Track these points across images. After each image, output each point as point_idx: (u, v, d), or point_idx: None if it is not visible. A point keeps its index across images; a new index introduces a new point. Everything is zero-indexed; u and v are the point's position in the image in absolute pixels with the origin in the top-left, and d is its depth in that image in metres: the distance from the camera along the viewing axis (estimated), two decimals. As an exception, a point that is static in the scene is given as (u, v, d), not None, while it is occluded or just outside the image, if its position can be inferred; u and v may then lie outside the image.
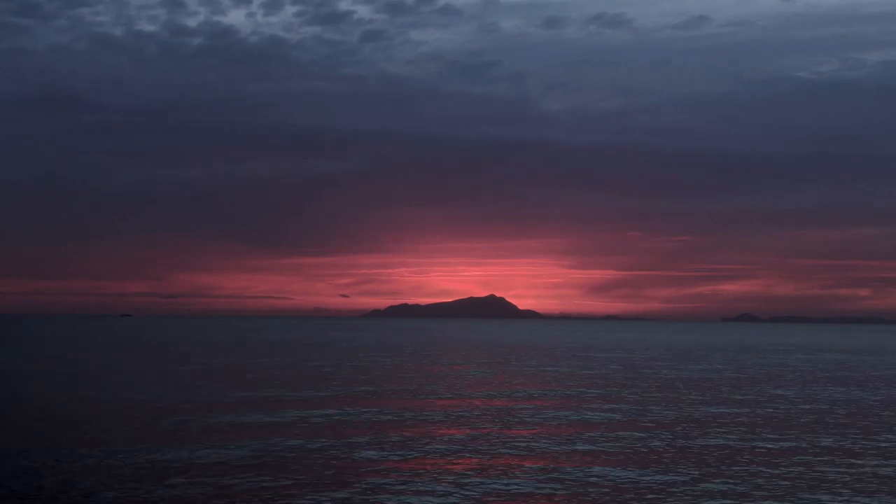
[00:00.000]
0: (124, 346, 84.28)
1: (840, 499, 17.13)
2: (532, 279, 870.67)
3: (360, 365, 56.41)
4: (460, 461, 20.46)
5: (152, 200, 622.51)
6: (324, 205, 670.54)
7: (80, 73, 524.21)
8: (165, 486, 17.32)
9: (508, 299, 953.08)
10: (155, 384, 39.40)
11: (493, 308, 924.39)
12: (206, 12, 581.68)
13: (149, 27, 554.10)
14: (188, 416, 27.55)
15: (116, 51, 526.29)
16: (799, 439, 24.71)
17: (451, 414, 29.42)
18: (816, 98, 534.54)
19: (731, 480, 18.63)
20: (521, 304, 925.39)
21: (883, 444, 24.07)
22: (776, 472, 19.71)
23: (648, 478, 18.74)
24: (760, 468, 20.08)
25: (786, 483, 18.52)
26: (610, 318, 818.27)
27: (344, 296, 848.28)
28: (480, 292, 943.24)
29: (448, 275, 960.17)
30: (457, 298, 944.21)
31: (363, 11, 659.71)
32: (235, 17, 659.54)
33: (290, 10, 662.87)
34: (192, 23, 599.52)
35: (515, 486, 17.77)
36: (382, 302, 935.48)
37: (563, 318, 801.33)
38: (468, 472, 19.09)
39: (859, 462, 21.22)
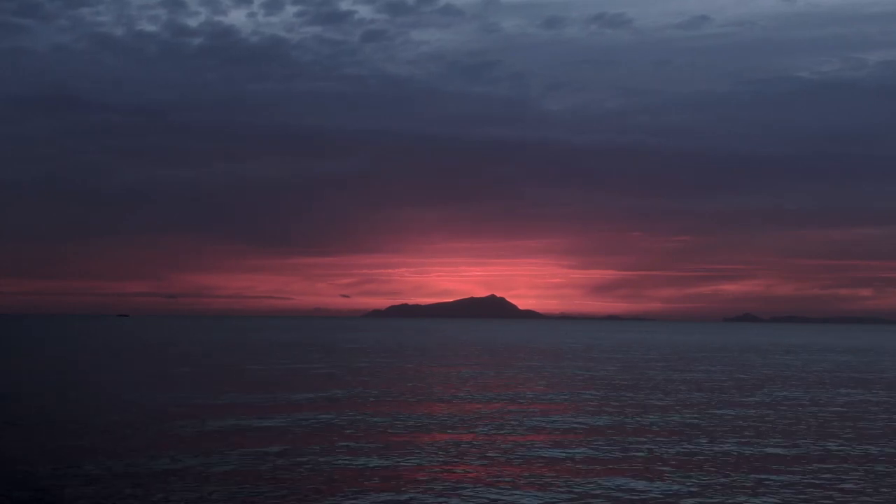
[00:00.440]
0: (119, 348, 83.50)
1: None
2: (533, 279, 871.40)
3: (359, 366, 55.65)
4: (459, 469, 19.67)
5: (152, 200, 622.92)
6: (324, 205, 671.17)
7: (80, 73, 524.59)
8: (141, 497, 16.56)
9: (509, 299, 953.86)
10: (148, 387, 38.63)
11: (493, 308, 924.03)
12: (206, 12, 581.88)
13: (149, 27, 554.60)
14: (177, 421, 26.76)
15: (117, 51, 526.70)
16: (814, 445, 23.91)
17: (449, 418, 28.63)
18: (817, 98, 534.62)
19: (742, 490, 17.87)
20: (522, 304, 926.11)
21: (896, 450, 23.35)
22: (789, 479, 18.93)
23: (657, 488, 17.96)
24: (773, 476, 19.30)
25: (802, 496, 17.77)
26: (610, 318, 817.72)
27: (344, 296, 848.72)
28: (481, 292, 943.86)
29: (448, 275, 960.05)
30: (457, 298, 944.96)
31: (364, 11, 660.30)
32: (236, 17, 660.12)
33: (291, 10, 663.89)
34: (192, 23, 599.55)
35: (517, 497, 17.01)
36: (383, 302, 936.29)
37: (564, 318, 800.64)
38: (466, 482, 18.32)
39: (881, 469, 20.46)
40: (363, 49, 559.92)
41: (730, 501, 16.88)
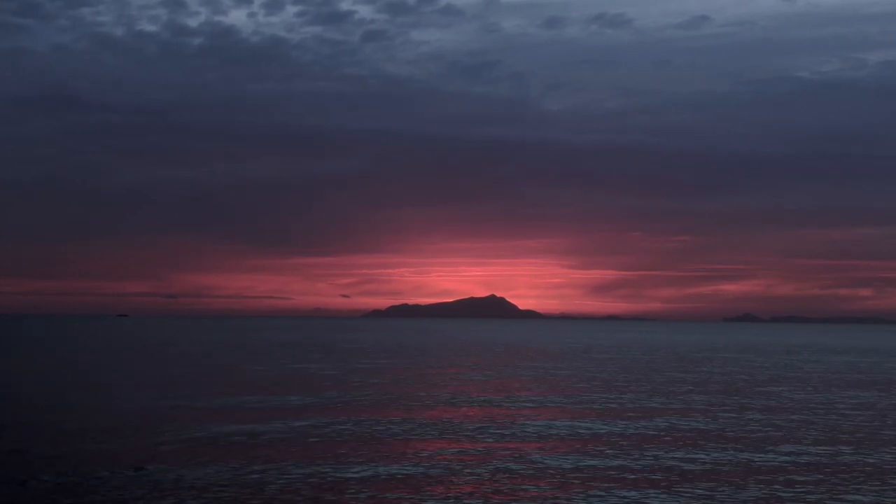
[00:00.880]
0: (117, 348, 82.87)
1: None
2: (533, 279, 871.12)
3: (358, 368, 55.02)
4: (458, 481, 19.06)
5: (152, 200, 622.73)
6: (324, 205, 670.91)
7: (80, 73, 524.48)
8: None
9: (509, 299, 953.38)
10: (144, 389, 37.98)
11: (493, 308, 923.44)
12: (207, 12, 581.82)
13: (150, 27, 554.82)
14: (168, 426, 26.08)
15: (117, 51, 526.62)
16: (824, 452, 23.32)
17: (448, 425, 27.96)
18: (817, 98, 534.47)
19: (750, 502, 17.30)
20: (522, 304, 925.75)
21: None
22: (800, 491, 18.35)
23: (664, 501, 17.38)
24: (780, 487, 18.72)
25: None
26: (610, 318, 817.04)
27: (344, 296, 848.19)
28: (481, 292, 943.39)
29: (448, 275, 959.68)
30: (457, 298, 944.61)
31: (364, 11, 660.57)
32: (236, 17, 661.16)
33: (292, 10, 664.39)
34: (193, 23, 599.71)
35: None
36: (383, 302, 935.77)
37: (564, 318, 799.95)
38: (464, 496, 17.72)
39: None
40: (363, 49, 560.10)
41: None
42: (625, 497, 17.43)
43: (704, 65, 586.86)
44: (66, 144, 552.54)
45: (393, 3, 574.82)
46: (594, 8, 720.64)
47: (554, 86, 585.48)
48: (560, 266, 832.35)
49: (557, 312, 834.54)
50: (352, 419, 28.55)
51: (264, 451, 22.01)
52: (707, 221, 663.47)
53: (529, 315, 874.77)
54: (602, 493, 17.71)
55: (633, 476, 19.51)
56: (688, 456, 22.23)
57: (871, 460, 22.28)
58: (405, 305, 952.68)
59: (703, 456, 22.29)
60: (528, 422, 28.59)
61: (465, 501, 16.97)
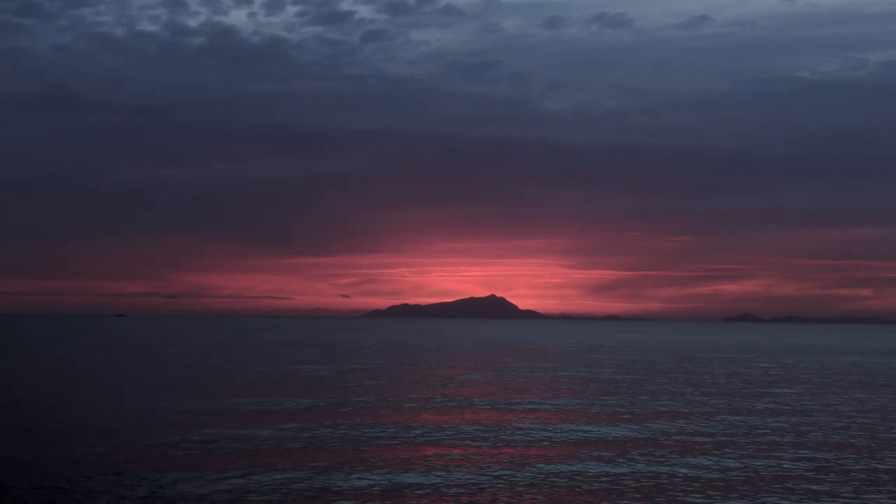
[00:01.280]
0: (115, 349, 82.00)
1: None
2: (533, 279, 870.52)
3: (355, 369, 54.17)
4: (453, 490, 18.26)
5: (152, 200, 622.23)
6: (324, 205, 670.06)
7: (80, 73, 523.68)
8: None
9: (509, 299, 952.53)
10: (137, 390, 37.17)
11: (493, 308, 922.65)
12: (207, 12, 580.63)
13: (150, 27, 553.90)
14: (160, 430, 25.29)
15: (117, 51, 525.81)
16: (834, 458, 22.49)
17: (445, 430, 27.11)
18: (817, 98, 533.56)
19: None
20: (522, 304, 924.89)
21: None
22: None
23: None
24: (802, 495, 17.91)
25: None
26: (610, 318, 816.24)
27: (344, 296, 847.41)
28: (481, 292, 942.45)
29: (449, 275, 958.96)
30: (457, 298, 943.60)
31: (364, 11, 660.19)
32: (237, 17, 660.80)
33: (292, 10, 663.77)
34: (193, 23, 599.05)
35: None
36: (383, 302, 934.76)
37: (564, 318, 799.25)
38: None
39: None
40: (363, 49, 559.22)
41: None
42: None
43: (704, 65, 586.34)
44: (67, 144, 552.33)
45: (393, 3, 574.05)
46: (594, 8, 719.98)
47: (554, 86, 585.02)
48: (560, 266, 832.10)
49: (557, 312, 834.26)
50: (345, 423, 27.71)
51: (251, 457, 21.18)
52: (707, 221, 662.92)
53: (529, 315, 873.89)
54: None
55: (638, 485, 18.69)
56: (695, 462, 21.40)
57: (885, 466, 21.45)
58: (405, 305, 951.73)
59: (710, 462, 21.46)
60: (527, 426, 27.74)
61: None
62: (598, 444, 23.85)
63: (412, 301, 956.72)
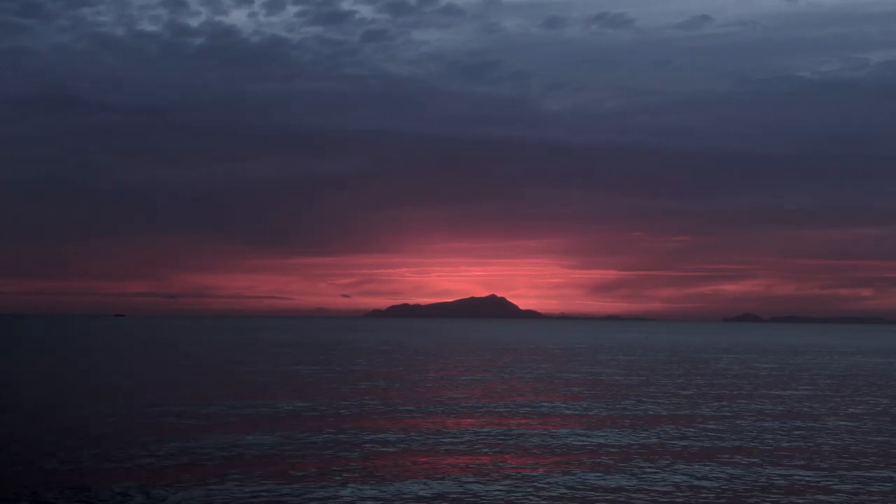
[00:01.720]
0: (109, 349, 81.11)
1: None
2: (533, 279, 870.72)
3: (354, 370, 53.29)
4: None
5: (152, 200, 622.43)
6: (325, 205, 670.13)
7: (81, 73, 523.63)
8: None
9: (509, 299, 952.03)
10: (130, 393, 36.30)
11: (493, 308, 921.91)
12: (207, 12, 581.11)
13: (150, 27, 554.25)
14: (144, 437, 24.47)
15: (118, 51, 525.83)
16: (847, 467, 21.66)
17: (443, 436, 26.25)
18: (818, 98, 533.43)
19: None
20: (522, 304, 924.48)
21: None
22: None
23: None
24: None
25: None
26: (611, 318, 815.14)
27: (345, 296, 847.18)
28: (481, 292, 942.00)
29: (449, 275, 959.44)
30: (457, 298, 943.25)
31: (365, 11, 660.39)
32: (237, 17, 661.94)
33: (292, 9, 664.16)
34: (193, 23, 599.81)
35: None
36: (383, 302, 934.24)
37: (564, 318, 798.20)
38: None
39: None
40: (364, 49, 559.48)
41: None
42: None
43: (705, 65, 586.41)
44: (67, 144, 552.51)
45: (393, 2, 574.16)
46: (595, 8, 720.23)
47: (554, 86, 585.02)
48: (560, 266, 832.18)
49: (558, 312, 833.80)
50: (343, 430, 26.82)
51: (236, 467, 20.29)
52: (707, 221, 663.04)
53: (530, 315, 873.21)
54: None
55: (645, 497, 17.86)
56: (704, 471, 20.55)
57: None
58: (405, 305, 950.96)
59: (720, 471, 20.61)
60: (530, 431, 26.87)
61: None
62: (600, 452, 22.97)
63: (412, 301, 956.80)
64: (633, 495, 17.69)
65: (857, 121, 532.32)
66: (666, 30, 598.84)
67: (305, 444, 23.59)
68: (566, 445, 23.97)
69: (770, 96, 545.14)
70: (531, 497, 17.45)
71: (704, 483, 18.99)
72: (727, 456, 22.60)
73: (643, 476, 19.65)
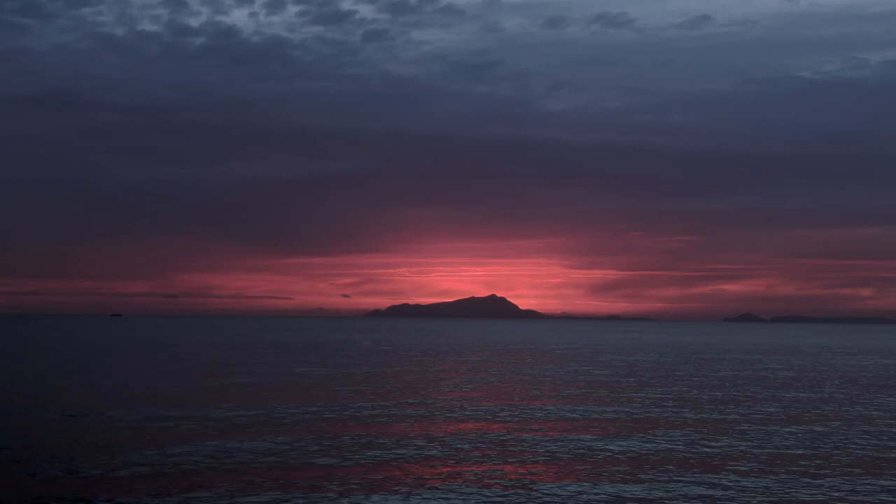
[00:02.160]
0: (109, 350, 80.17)
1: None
2: (533, 279, 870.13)
3: (352, 371, 52.35)
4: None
5: (153, 200, 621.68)
6: (326, 205, 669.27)
7: (82, 72, 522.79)
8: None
9: (510, 299, 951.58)
10: (123, 397, 35.35)
11: (494, 308, 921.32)
12: (208, 12, 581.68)
13: (151, 27, 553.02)
14: (127, 445, 23.54)
15: (118, 51, 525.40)
16: (868, 477, 20.69)
17: (441, 443, 25.23)
18: (818, 98, 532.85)
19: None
20: (523, 304, 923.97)
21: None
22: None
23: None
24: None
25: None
26: (611, 318, 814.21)
27: (345, 296, 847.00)
28: (482, 292, 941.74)
29: (449, 275, 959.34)
30: (458, 298, 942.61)
31: (365, 11, 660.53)
32: (238, 17, 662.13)
33: (293, 9, 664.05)
34: (194, 23, 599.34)
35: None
36: (384, 302, 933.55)
37: (565, 318, 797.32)
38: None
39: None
40: (364, 49, 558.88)
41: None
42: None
43: (706, 64, 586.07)
44: (68, 144, 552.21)
45: (394, 2, 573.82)
46: (596, 7, 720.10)
47: (555, 86, 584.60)
48: (561, 266, 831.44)
49: (558, 312, 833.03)
50: (342, 436, 25.90)
51: (219, 478, 19.32)
52: (707, 221, 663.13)
53: (530, 315, 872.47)
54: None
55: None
56: (715, 481, 19.60)
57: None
58: (406, 305, 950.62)
59: (730, 482, 19.67)
60: (534, 437, 25.87)
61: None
62: (604, 459, 22.04)
63: (413, 301, 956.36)
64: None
65: (858, 121, 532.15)
66: (667, 30, 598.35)
67: (303, 451, 22.62)
68: (569, 453, 22.98)
69: (771, 96, 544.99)
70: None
71: (715, 492, 18.07)
72: (747, 463, 21.66)
73: (651, 485, 18.71)
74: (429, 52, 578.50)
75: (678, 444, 24.53)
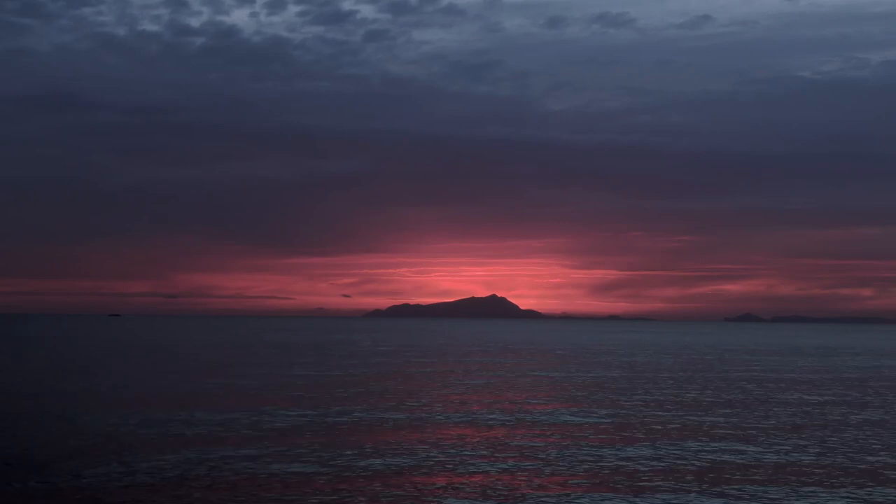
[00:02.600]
0: (107, 350, 79.60)
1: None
2: (533, 279, 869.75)
3: (351, 372, 51.74)
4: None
5: (153, 200, 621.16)
6: (326, 205, 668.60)
7: (82, 72, 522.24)
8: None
9: (510, 299, 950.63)
10: (117, 399, 34.75)
11: (494, 308, 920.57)
12: (209, 12, 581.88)
13: (151, 27, 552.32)
14: (111, 453, 22.94)
15: (119, 51, 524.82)
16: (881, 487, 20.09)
17: (440, 450, 24.68)
18: (819, 98, 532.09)
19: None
20: (523, 304, 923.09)
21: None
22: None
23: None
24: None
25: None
26: (611, 318, 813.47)
27: (345, 296, 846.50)
28: (482, 292, 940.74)
29: (449, 275, 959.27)
30: (458, 298, 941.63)
31: (366, 11, 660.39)
32: (238, 17, 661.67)
33: (293, 9, 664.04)
34: (195, 22, 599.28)
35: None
36: (384, 302, 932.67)
37: (565, 318, 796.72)
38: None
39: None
40: (365, 49, 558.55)
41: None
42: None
43: (706, 64, 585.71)
44: (68, 144, 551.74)
45: (395, 2, 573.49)
46: (596, 7, 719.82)
47: (556, 86, 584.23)
48: (561, 266, 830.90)
49: (558, 312, 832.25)
50: (330, 443, 25.32)
51: (218, 485, 18.73)
52: (707, 221, 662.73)
53: (530, 315, 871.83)
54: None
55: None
56: (719, 490, 19.01)
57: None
58: (406, 305, 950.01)
59: (735, 492, 19.07)
60: (536, 444, 25.27)
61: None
62: (608, 469, 21.45)
63: (413, 301, 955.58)
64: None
65: (858, 121, 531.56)
66: (667, 29, 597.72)
67: (301, 457, 22.04)
68: (573, 462, 22.38)
69: (771, 96, 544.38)
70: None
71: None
72: (762, 474, 21.07)
73: (660, 498, 18.11)
74: (429, 52, 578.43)
75: (682, 451, 23.92)
